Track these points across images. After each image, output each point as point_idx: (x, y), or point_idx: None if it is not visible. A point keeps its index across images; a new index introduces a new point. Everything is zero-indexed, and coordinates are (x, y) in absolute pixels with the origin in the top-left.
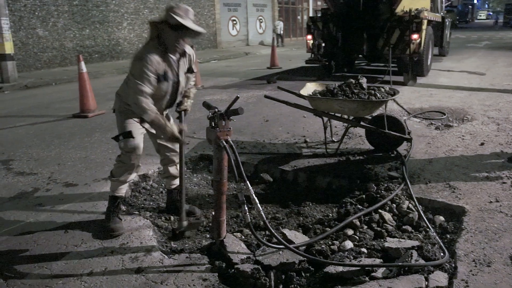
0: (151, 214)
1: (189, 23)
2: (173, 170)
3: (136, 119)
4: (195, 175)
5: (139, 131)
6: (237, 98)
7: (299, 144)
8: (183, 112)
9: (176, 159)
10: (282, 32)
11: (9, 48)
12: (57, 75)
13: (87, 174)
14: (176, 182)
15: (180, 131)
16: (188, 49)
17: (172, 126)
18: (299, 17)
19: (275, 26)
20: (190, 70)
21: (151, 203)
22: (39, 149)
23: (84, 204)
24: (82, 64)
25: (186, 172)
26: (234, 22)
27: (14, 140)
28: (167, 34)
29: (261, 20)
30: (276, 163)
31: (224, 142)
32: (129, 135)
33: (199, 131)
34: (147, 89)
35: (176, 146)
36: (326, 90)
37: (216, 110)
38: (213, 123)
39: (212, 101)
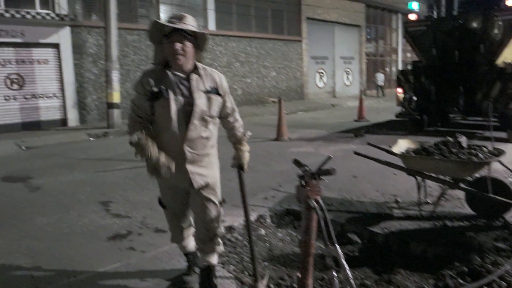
0: (234, 268)
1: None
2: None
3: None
4: (279, 230)
5: (168, 195)
6: (329, 158)
7: (389, 203)
8: (239, 170)
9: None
10: (383, 83)
11: (116, 98)
12: None
13: None
14: (208, 258)
15: (167, 166)
16: (211, 70)
17: (160, 156)
18: (387, 69)
19: (376, 78)
20: (215, 92)
21: (235, 256)
22: (135, 193)
23: (172, 251)
24: None
25: (270, 226)
26: (321, 74)
27: (114, 182)
28: (159, 47)
29: (348, 72)
30: (365, 223)
31: (314, 202)
32: (160, 203)
33: (285, 183)
34: (136, 109)
35: (208, 211)
36: (420, 148)
37: (307, 168)
38: (303, 181)
39: (298, 154)
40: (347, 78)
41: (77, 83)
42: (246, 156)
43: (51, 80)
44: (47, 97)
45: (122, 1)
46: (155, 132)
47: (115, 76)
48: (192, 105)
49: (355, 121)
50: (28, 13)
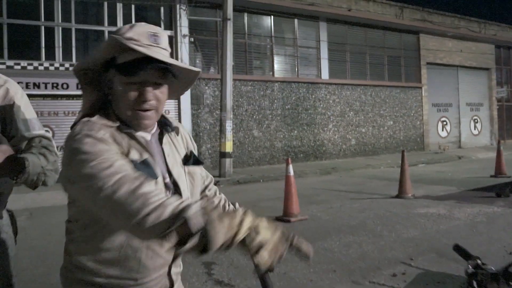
0: None
1: (153, 52)
2: None
3: None
4: None
5: None
6: None
7: None
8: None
9: None
10: None
11: (229, 147)
12: (265, 172)
13: None
14: None
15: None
16: (170, 118)
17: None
18: None
19: None
20: (195, 161)
21: None
22: (240, 255)
23: None
24: (290, 167)
25: None
26: (444, 123)
27: None
28: (116, 87)
29: (476, 121)
30: None
31: None
32: None
33: (417, 256)
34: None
35: None
36: None
37: (480, 262)
38: (475, 282)
39: (427, 215)
40: (475, 126)
41: (194, 132)
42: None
43: None
44: None
45: (237, 54)
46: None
47: (229, 125)
48: (177, 192)
49: (492, 176)
50: None
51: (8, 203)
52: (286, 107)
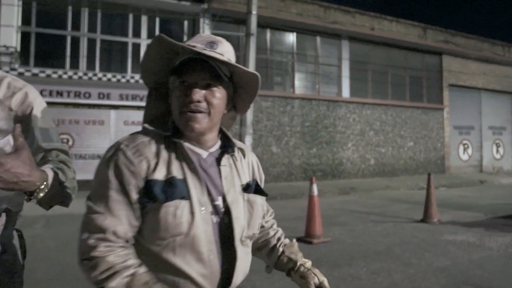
0: None
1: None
2: None
3: None
4: None
5: None
6: None
7: None
8: None
9: None
10: None
11: None
12: (282, 190)
13: None
14: None
15: None
16: (239, 144)
17: None
18: None
19: None
20: (258, 190)
21: None
22: (263, 278)
23: None
24: (314, 186)
25: None
26: (466, 146)
27: None
28: (158, 94)
29: (498, 145)
30: None
31: None
32: None
33: None
34: (106, 219)
35: None
36: None
37: None
38: None
39: (456, 243)
40: (497, 151)
41: None
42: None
43: None
44: None
45: (259, 70)
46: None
47: (248, 141)
48: (229, 218)
49: None
50: None
51: (20, 216)
52: (306, 124)
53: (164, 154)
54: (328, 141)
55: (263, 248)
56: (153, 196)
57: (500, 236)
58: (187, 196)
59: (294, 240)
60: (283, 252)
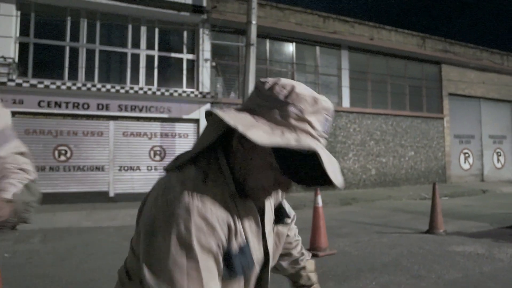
0: None
1: (326, 155)
2: None
3: None
4: None
5: None
6: None
7: None
8: None
9: None
10: None
11: None
12: None
13: None
14: None
15: None
16: None
17: None
18: None
19: None
20: (281, 217)
21: None
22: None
23: None
24: (319, 197)
25: None
26: (467, 155)
27: None
28: (255, 162)
29: (499, 154)
30: None
31: None
32: None
33: None
34: None
35: None
36: None
37: None
38: None
39: (465, 255)
40: (498, 159)
41: None
42: None
43: None
44: None
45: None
46: None
47: None
48: (265, 265)
49: None
50: (176, 91)
51: (16, 229)
52: None
53: (233, 213)
54: (329, 151)
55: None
56: (233, 270)
57: (509, 247)
58: (253, 262)
59: (310, 256)
60: (304, 268)
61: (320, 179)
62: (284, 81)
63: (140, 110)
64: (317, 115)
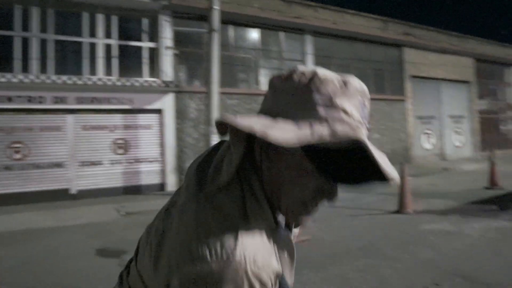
0: None
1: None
2: None
3: None
4: None
5: None
6: None
7: None
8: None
9: None
10: None
11: None
12: None
13: None
14: None
15: None
16: None
17: None
18: (501, 127)
19: None
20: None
21: None
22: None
23: None
24: None
25: None
26: (429, 135)
27: None
28: (285, 172)
29: (459, 133)
30: None
31: None
32: None
33: (444, 282)
34: None
35: None
36: None
37: None
38: None
39: (434, 232)
40: (458, 139)
41: (178, 147)
42: None
43: (153, 145)
44: (148, 161)
45: (222, 67)
46: None
47: (215, 141)
48: None
49: (487, 188)
50: (137, 81)
51: None
52: None
53: (275, 253)
54: None
55: None
56: None
57: (476, 222)
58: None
59: None
60: None
61: (367, 175)
62: (303, 67)
63: (100, 102)
64: (350, 99)
